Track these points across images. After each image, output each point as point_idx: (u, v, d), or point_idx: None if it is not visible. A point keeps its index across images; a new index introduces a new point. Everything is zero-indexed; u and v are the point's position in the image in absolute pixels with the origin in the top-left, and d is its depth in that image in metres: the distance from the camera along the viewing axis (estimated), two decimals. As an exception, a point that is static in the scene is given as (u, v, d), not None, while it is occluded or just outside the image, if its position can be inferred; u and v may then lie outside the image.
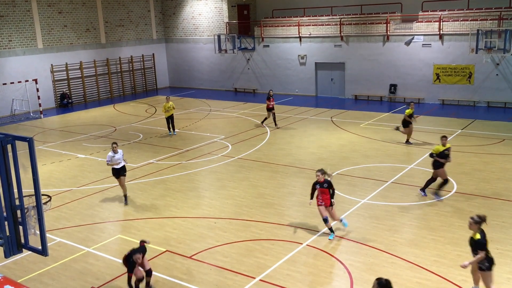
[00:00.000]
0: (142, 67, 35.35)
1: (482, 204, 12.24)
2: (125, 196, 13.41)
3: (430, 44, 26.53)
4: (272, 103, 21.46)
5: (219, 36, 32.05)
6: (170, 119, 20.88)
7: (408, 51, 27.16)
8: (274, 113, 21.85)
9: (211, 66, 35.43)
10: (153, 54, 36.06)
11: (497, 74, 25.00)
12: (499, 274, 8.90)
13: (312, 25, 30.52)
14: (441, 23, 25.93)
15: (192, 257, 10.14)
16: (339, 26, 29.25)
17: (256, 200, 13.23)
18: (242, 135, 20.76)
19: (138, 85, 35.22)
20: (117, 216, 12.62)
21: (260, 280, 9.09)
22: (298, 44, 31.09)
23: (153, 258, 10.13)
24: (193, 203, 13.23)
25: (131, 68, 34.47)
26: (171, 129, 21.08)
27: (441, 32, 25.98)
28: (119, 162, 13.15)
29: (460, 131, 20.03)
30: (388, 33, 27.58)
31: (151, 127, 22.96)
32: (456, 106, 25.76)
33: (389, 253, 9.90)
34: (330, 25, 29.83)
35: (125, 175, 13.35)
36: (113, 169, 13.24)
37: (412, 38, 26.60)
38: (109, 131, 22.41)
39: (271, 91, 21.90)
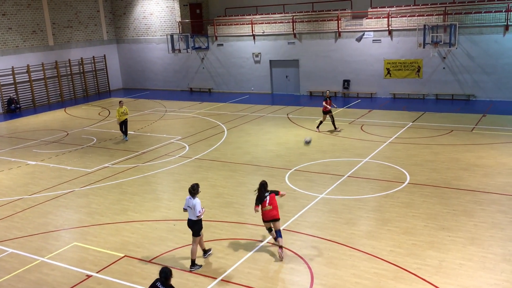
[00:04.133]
0: (94, 69, 34.45)
1: (433, 193, 12.68)
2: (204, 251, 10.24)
3: (380, 40, 27.22)
4: (328, 106, 19.55)
5: (172, 36, 31.66)
6: (123, 124, 20.03)
7: (359, 47, 27.75)
8: (332, 116, 19.96)
9: (165, 66, 34.98)
10: (105, 56, 35.22)
11: (444, 68, 25.96)
12: (451, 260, 9.25)
13: (265, 23, 30.67)
14: (390, 19, 26.65)
15: (152, 261, 9.98)
16: (291, 23, 29.52)
17: (215, 200, 13.18)
18: (199, 135, 20.61)
19: (90, 87, 34.30)
20: (71, 223, 12.25)
21: (222, 280, 9.06)
22: (252, 42, 31.16)
23: (111, 264, 9.90)
24: (151, 206, 13.03)
25: (81, 70, 33.53)
26: (125, 134, 20.20)
27: (390, 28, 26.71)
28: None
29: (411, 123, 20.66)
30: (340, 29, 28.09)
31: (105, 130, 22.42)
32: (406, 100, 26.56)
33: (347, 246, 10.09)
34: (283, 22, 30.07)
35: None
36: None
37: (363, 34, 27.21)
38: (61, 136, 21.72)
39: (328, 91, 20.34)
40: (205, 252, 10.00)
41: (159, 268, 9.58)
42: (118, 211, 12.79)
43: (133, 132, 21.48)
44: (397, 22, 26.69)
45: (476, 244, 9.81)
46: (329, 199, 12.76)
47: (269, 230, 9.99)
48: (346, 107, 25.39)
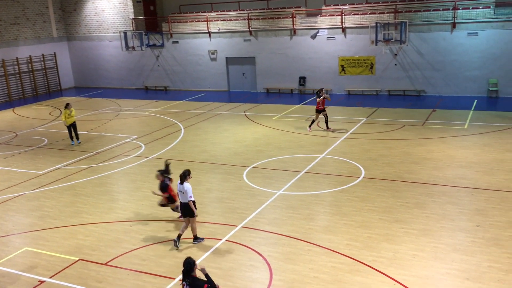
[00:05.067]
0: (43, 67, 33.26)
1: (387, 187, 13.02)
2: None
3: (334, 37, 27.66)
4: (322, 102, 19.00)
5: (125, 33, 30.99)
6: (72, 127, 18.86)
7: (314, 44, 28.10)
8: (326, 115, 19.34)
9: (119, 64, 34.22)
10: (55, 53, 34.07)
11: (395, 64, 26.68)
12: (405, 251, 9.52)
13: (221, 20, 30.53)
14: (343, 17, 27.12)
15: (108, 263, 9.75)
16: (247, 21, 29.53)
17: (173, 199, 12.99)
18: (155, 134, 20.30)
19: (39, 86, 33.10)
20: (22, 227, 11.78)
21: (180, 280, 8.95)
22: (208, 39, 30.97)
23: (64, 268, 9.60)
24: (106, 208, 12.71)
25: (30, 69, 32.29)
26: (74, 138, 18.98)
27: (343, 25, 27.18)
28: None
29: (365, 119, 21.13)
30: (295, 27, 28.34)
31: (57, 130, 21.69)
32: (361, 96, 27.13)
33: (305, 241, 10.20)
34: (238, 20, 30.03)
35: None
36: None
37: (317, 32, 27.57)
38: (9, 137, 20.85)
39: (323, 89, 19.53)
40: (196, 238, 10.40)
41: (115, 270, 9.41)
42: (72, 214, 12.41)
43: (86, 132, 20.89)
44: (350, 20, 27.21)
45: (428, 235, 10.14)
46: (286, 195, 12.86)
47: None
48: (303, 104, 25.66)
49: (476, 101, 23.86)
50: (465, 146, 16.38)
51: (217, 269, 9.27)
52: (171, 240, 10.53)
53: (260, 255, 9.73)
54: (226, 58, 30.86)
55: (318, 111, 19.30)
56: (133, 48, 31.20)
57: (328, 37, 27.79)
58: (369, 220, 11.04)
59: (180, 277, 6.85)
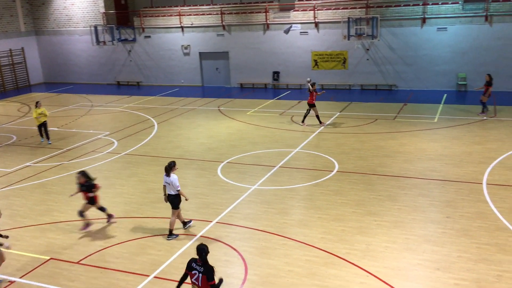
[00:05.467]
0: (11, 62, 32.39)
1: (360, 180, 13.19)
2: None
3: (307, 32, 27.78)
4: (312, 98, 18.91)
5: (96, 27, 30.44)
6: (42, 127, 18.27)
7: (287, 39, 28.16)
8: (309, 110, 19.29)
9: (90, 59, 33.60)
10: (23, 48, 33.22)
11: (367, 59, 26.99)
12: (378, 243, 9.67)
13: (194, 15, 30.29)
14: (316, 11, 27.25)
15: (80, 262, 9.59)
16: (220, 15, 29.37)
17: (147, 196, 12.88)
18: (128, 130, 20.03)
19: (7, 82, 32.23)
20: (-9, 227, 11.45)
21: (155, 277, 8.89)
22: (181, 34, 30.69)
23: (35, 268, 9.40)
24: (78, 205, 12.42)
25: (-3, 64, 31.42)
26: (44, 137, 18.37)
27: (316, 20, 27.32)
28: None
29: (338, 113, 21.33)
30: (268, 22, 28.34)
31: (26, 127, 21.17)
32: (334, 90, 27.36)
33: (280, 235, 10.25)
34: (211, 14, 29.85)
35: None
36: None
37: (290, 27, 27.61)
38: (-24, 135, 20.25)
39: (310, 79, 19.47)
40: (185, 223, 10.70)
41: (88, 269, 9.27)
42: (42, 212, 12.15)
43: (56, 129, 20.46)
44: (323, 15, 27.36)
45: (400, 227, 10.32)
46: (261, 190, 12.89)
47: None
48: (276, 99, 25.72)
49: (445, 95, 24.37)
50: (435, 139, 16.72)
51: (192, 265, 9.22)
52: (144, 237, 10.43)
53: (235, 250, 9.74)
54: (200, 53, 30.66)
55: (311, 105, 19.13)
56: (104, 42, 30.68)
57: (301, 32, 27.90)
58: (342, 213, 11.16)
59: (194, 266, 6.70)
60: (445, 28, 25.07)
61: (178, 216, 10.62)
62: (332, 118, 20.31)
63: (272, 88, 29.18)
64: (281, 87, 29.04)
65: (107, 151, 17.06)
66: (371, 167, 14.21)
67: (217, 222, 11.02)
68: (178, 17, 30.45)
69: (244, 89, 29.52)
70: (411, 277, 8.47)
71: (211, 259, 9.43)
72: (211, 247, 9.83)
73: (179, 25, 30.46)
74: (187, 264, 6.78)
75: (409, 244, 9.59)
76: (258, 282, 8.61)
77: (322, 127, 18.96)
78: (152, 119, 21.79)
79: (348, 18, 25.67)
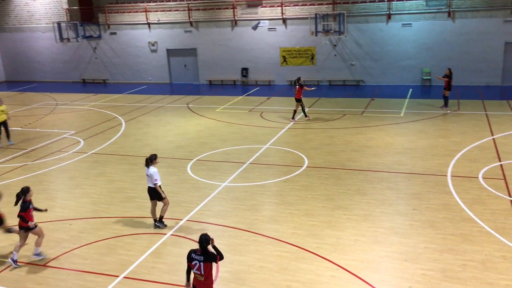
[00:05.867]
0: (-30, 60, 31.26)
1: (329, 175, 13.33)
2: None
3: (275, 28, 27.86)
4: (296, 92, 18.85)
5: (59, 24, 29.70)
6: (2, 126, 17.60)
7: (255, 35, 28.17)
8: (298, 105, 19.22)
9: (53, 57, 32.78)
10: (-17, 45, 32.11)
11: (335, 55, 27.27)
12: (347, 237, 9.80)
13: (160, 11, 29.92)
14: (283, 8, 27.34)
15: (47, 264, 9.35)
16: (187, 11, 29.11)
17: (115, 196, 12.67)
18: (94, 128, 19.64)
19: (-34, 81, 31.12)
20: (-49, 232, 11.03)
21: (124, 277, 8.76)
22: (148, 30, 30.29)
23: (1, 272, 9.11)
24: (45, 207, 12.14)
25: (-44, 62, 30.27)
26: (4, 137, 17.67)
27: (284, 16, 27.41)
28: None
29: (307, 109, 21.45)
30: (236, 18, 28.27)
31: (-13, 127, 20.46)
32: (302, 86, 27.50)
33: (251, 232, 10.26)
34: (178, 10, 29.55)
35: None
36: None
37: (258, 23, 27.65)
38: None
39: (300, 78, 19.26)
40: (160, 221, 10.62)
41: (55, 271, 9.05)
42: (6, 214, 11.76)
43: (19, 128, 19.88)
44: (290, 11, 27.48)
45: (369, 220, 10.49)
46: (231, 187, 12.87)
47: None
48: (246, 95, 25.71)
49: (411, 89, 24.89)
50: (401, 133, 17.06)
51: (162, 264, 9.14)
52: (114, 237, 10.26)
53: (206, 247, 9.68)
54: (167, 49, 30.35)
55: (298, 100, 19.12)
56: (68, 39, 30.00)
57: (269, 28, 27.96)
58: (312, 208, 11.26)
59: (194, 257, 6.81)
60: (410, 24, 25.58)
61: (152, 212, 10.65)
62: (301, 114, 20.44)
63: (241, 84, 29.15)
64: (250, 83, 29.04)
65: (73, 151, 16.69)
66: (340, 162, 14.38)
67: (187, 220, 10.94)
68: (144, 13, 30.02)
69: (213, 86, 29.39)
70: (380, 269, 8.62)
71: (182, 257, 9.38)
72: (182, 245, 9.79)
73: (146, 22, 30.05)
74: (187, 256, 6.90)
75: (378, 236, 9.76)
76: (229, 279, 8.60)
77: (292, 123, 19.07)
78: (119, 117, 21.44)
79: (315, 14, 25.86)
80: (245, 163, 14.66)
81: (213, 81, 29.85)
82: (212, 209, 11.49)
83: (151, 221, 10.91)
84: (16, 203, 9.38)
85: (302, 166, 14.12)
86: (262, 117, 20.45)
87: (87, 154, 16.25)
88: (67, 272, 9.06)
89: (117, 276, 8.80)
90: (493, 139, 15.78)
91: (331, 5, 26.73)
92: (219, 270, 8.84)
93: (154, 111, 22.56)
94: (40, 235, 9.56)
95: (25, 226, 9.34)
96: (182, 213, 11.32)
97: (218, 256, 6.82)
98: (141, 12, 30.18)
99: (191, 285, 7.02)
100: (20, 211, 9.32)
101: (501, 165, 13.34)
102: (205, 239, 6.69)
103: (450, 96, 20.33)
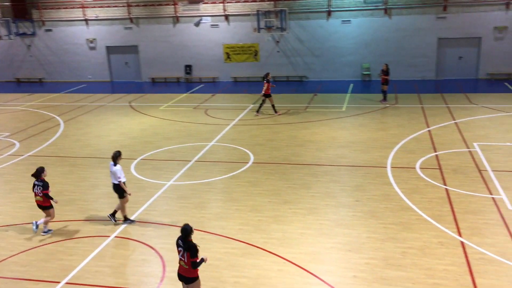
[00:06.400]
0: None
1: (275, 170, 13.46)
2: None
3: (217, 25, 27.74)
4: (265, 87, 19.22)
5: (-11, 20, 28.09)
6: None
7: (198, 32, 27.94)
8: (270, 100, 19.63)
9: (-16, 55, 30.98)
10: None
11: (278, 51, 27.55)
12: (293, 230, 9.94)
13: (98, 7, 29.01)
14: (225, 4, 27.26)
15: (-18, 275, 8.84)
16: (127, 7, 28.40)
17: (55, 198, 12.13)
18: (31, 129, 18.77)
19: None
20: None
21: (66, 283, 8.43)
22: (85, 27, 29.28)
23: None
24: (-23, 214, 11.50)
25: None
26: None
27: (226, 13, 27.34)
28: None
29: (252, 105, 21.58)
30: (177, 14, 27.89)
31: None
32: (247, 83, 27.64)
33: (198, 230, 10.16)
34: (117, 6, 28.77)
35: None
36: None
37: (201, 19, 27.45)
38: None
39: (269, 74, 19.67)
40: (126, 219, 10.61)
41: (-10, 281, 8.58)
42: None
43: None
44: (233, 8, 27.45)
45: (314, 213, 10.69)
46: (177, 185, 12.71)
47: None
48: (190, 92, 25.46)
49: (352, 84, 25.59)
50: (343, 127, 17.50)
51: (106, 267, 8.88)
52: (54, 242, 9.86)
53: (152, 248, 9.51)
54: (107, 46, 29.49)
55: (266, 95, 19.32)
56: (0, 37, 28.42)
57: (211, 25, 27.80)
58: (259, 204, 11.33)
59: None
60: (349, 20, 26.26)
61: (122, 210, 10.58)
62: (246, 111, 20.51)
63: (185, 82, 28.84)
64: (194, 80, 28.78)
65: (7, 154, 15.88)
66: (285, 157, 14.55)
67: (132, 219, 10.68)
68: (81, 9, 28.98)
69: (156, 83, 28.87)
70: (325, 260, 8.81)
71: (126, 259, 9.19)
72: (127, 247, 9.56)
73: (83, 18, 29.02)
74: (176, 241, 7.14)
75: (323, 229, 9.96)
76: (177, 278, 8.47)
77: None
78: (57, 117, 20.62)
79: (257, 11, 25.99)
80: (190, 161, 14.52)
81: (156, 79, 29.32)
82: (157, 209, 11.29)
83: (94, 223, 10.57)
84: (34, 182, 10.17)
85: (247, 162, 14.16)
86: (207, 114, 20.33)
87: (23, 157, 15.50)
88: (4, 280, 8.61)
89: (58, 282, 8.46)
90: (429, 131, 16.53)
91: (272, 2, 26.95)
92: (166, 271, 8.71)
93: (95, 110, 21.87)
94: (52, 216, 10.30)
95: (49, 205, 10.20)
96: (126, 214, 11.02)
97: (197, 259, 6.90)
98: (77, 8, 29.12)
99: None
100: (44, 189, 10.08)
101: (436, 155, 14.00)
102: (183, 229, 6.98)
103: (388, 91, 21.08)
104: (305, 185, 12.29)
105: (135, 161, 14.69)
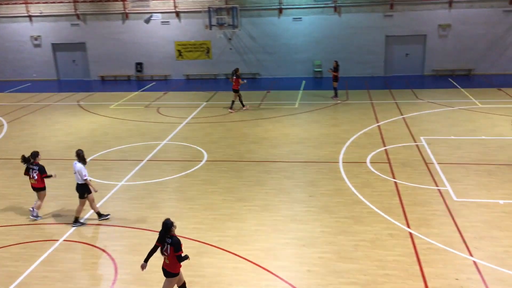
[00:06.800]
0: None
1: (229, 168, 13.42)
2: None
3: (168, 22, 27.34)
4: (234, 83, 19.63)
5: None
6: None
7: (148, 29, 27.43)
8: (240, 95, 19.96)
9: None
10: None
11: (230, 48, 27.47)
12: (248, 227, 9.95)
13: (43, 3, 27.89)
14: (176, 1, 26.91)
15: None
16: (73, 3, 27.48)
17: (-2, 203, 11.61)
18: (-29, 131, 17.85)
19: None
20: None
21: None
22: (29, 24, 28.12)
23: None
24: None
25: None
26: None
27: (177, 9, 26.99)
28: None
29: (205, 103, 21.43)
30: (126, 11, 27.27)
31: None
32: (200, 80, 27.42)
33: (151, 230, 9.99)
34: (63, 2, 27.80)
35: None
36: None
37: (151, 16, 26.94)
38: None
39: (238, 69, 20.25)
40: (100, 215, 10.49)
41: None
42: None
43: None
44: (184, 4, 27.13)
45: (269, 210, 10.73)
46: (129, 185, 12.43)
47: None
48: (141, 91, 24.98)
49: (304, 81, 25.89)
50: (296, 123, 17.69)
51: (55, 272, 8.56)
52: (0, 247, 9.43)
53: (103, 251, 9.26)
54: (52, 44, 28.44)
55: (235, 91, 19.56)
56: None
57: (162, 22, 27.38)
58: (213, 202, 11.26)
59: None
60: (300, 18, 26.55)
61: (93, 207, 10.48)
62: (199, 109, 20.34)
63: (136, 80, 28.27)
64: (145, 78, 28.26)
65: None
66: (239, 154, 14.54)
67: (82, 222, 10.36)
68: (24, 5, 27.78)
69: (105, 81, 28.13)
70: (280, 256, 8.87)
71: (76, 263, 8.89)
72: (77, 251, 9.26)
73: (27, 14, 27.84)
74: (159, 235, 7.29)
75: (277, 225, 10.02)
76: (130, 280, 8.31)
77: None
78: (0, 118, 19.69)
79: (209, 7, 25.81)
80: (142, 160, 14.25)
81: (105, 77, 28.57)
82: (108, 210, 10.99)
83: (43, 227, 10.18)
84: (28, 166, 10.65)
85: (201, 161, 14.05)
86: (159, 112, 20.01)
87: (-37, 160, 14.70)
88: None
89: (4, 291, 8.09)
90: (378, 126, 16.98)
91: (224, -1, 26.85)
92: (118, 273, 8.50)
93: (41, 110, 21.04)
94: (43, 199, 10.77)
95: (43, 187, 10.69)
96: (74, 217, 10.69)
97: (181, 252, 7.13)
98: (20, 4, 27.88)
99: (146, 266, 7.44)
100: (42, 173, 10.58)
101: (385, 150, 14.39)
102: (164, 224, 7.21)
103: (339, 87, 21.48)
104: (259, 182, 12.33)
105: (85, 162, 14.23)
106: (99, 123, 18.61)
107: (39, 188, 10.72)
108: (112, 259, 8.95)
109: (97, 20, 27.74)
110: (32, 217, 10.62)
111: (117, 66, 28.32)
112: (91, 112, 20.46)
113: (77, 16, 27.60)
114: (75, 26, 27.92)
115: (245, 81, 20.50)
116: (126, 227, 10.20)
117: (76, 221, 10.33)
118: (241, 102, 19.97)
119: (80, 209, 10.37)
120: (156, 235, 9.73)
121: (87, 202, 10.45)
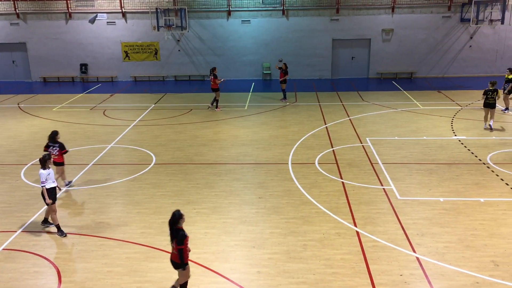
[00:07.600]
0: None
1: (178, 171, 13.25)
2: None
3: (114, 22, 26.72)
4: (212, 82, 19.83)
5: None
6: None
7: (93, 29, 26.69)
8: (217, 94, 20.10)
9: None
10: None
11: (179, 50, 27.19)
12: (198, 230, 9.86)
13: (-21, 0, 26.52)
14: (122, 1, 26.34)
15: None
16: (12, 2, 26.29)
17: None
18: None
19: None
20: None
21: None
22: (-36, 21, 26.63)
23: None
24: None
25: None
26: None
27: (123, 10, 26.41)
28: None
29: (153, 105, 21.08)
30: (70, 10, 26.40)
31: None
32: (148, 82, 26.95)
33: (97, 236, 9.70)
34: (1, 1, 26.52)
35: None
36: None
37: (96, 16, 26.21)
38: None
39: (215, 68, 20.36)
40: (45, 221, 10.23)
41: None
42: None
43: None
44: (130, 5, 26.60)
45: (218, 212, 10.68)
46: (73, 191, 12.01)
47: None
48: (86, 93, 24.24)
49: (253, 83, 26.01)
50: (246, 125, 17.73)
51: (-7, 284, 8.13)
52: None
53: (46, 259, 8.88)
54: (-9, 43, 27.07)
55: (215, 90, 19.71)
56: None
57: (108, 22, 26.71)
58: (162, 206, 11.08)
59: None
60: (249, 20, 26.67)
61: (47, 213, 10.22)
62: (147, 111, 19.99)
63: (81, 81, 27.41)
64: (90, 80, 27.45)
65: None
66: (188, 157, 14.39)
67: (22, 232, 9.91)
68: (-41, 2, 26.32)
69: (48, 83, 27.08)
70: (229, 258, 8.84)
71: (16, 272, 8.48)
72: (17, 260, 8.83)
73: (-39, 12, 26.38)
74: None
75: (227, 227, 9.99)
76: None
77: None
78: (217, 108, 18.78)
79: (156, 8, 25.44)
80: (88, 164, 13.81)
81: (48, 78, 27.51)
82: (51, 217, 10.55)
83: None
84: (48, 143, 11.75)
85: (149, 164, 13.79)
86: (105, 115, 19.48)
87: None
88: None
89: None
90: (326, 127, 17.31)
91: (171, 0, 26.54)
92: (62, 282, 8.18)
93: (-22, 113, 19.98)
94: (61, 172, 11.90)
95: (62, 162, 11.80)
96: (15, 224, 10.22)
97: (183, 246, 7.20)
98: (-46, 0, 26.40)
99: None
100: (61, 150, 11.68)
101: (333, 150, 14.69)
102: (172, 214, 7.38)
103: (287, 89, 21.73)
104: (208, 185, 12.25)
105: (25, 167, 13.65)
106: (41, 126, 17.88)
107: (59, 163, 11.69)
108: (56, 267, 8.60)
109: (38, 20, 26.69)
110: (65, 188, 12.01)
111: (60, 67, 27.35)
112: (32, 114, 19.63)
113: (17, 15, 26.43)
114: (15, 25, 26.73)
115: (222, 79, 20.64)
116: (71, 233, 9.84)
117: (46, 221, 10.22)
118: (213, 102, 20.22)
119: (54, 217, 9.84)
120: (102, 241, 9.50)
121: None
